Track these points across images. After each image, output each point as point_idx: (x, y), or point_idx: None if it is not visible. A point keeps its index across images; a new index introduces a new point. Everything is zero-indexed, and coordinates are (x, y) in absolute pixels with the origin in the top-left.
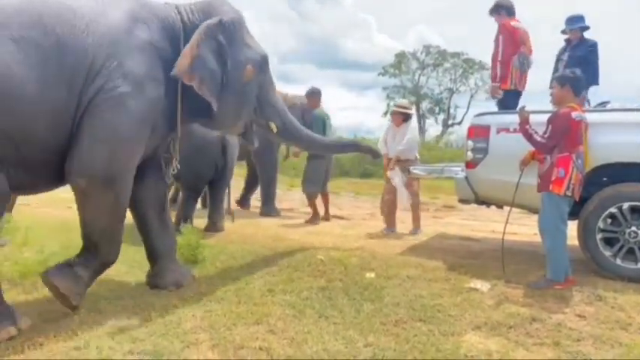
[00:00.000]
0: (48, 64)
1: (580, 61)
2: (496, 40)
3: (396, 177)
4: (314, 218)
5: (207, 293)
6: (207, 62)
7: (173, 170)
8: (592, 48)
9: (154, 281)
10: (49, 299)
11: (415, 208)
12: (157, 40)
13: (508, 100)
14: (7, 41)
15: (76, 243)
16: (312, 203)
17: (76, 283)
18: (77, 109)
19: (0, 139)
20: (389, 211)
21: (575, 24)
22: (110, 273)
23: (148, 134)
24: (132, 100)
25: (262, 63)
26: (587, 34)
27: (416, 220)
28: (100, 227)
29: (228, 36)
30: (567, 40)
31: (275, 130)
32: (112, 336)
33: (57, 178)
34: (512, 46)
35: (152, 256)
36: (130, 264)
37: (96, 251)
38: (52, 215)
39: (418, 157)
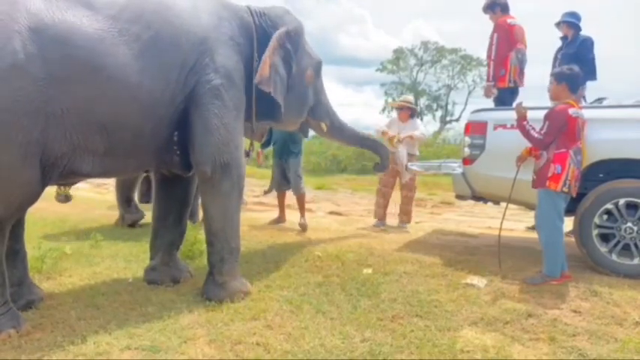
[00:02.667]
0: (146, 56)
1: (572, 58)
2: (491, 38)
3: (404, 152)
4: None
5: None
6: (279, 69)
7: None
8: (583, 44)
9: (151, 276)
10: (46, 294)
11: (408, 202)
12: (237, 36)
13: (506, 97)
14: (115, 34)
15: (74, 238)
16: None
17: (231, 283)
18: (172, 100)
19: (92, 131)
20: (383, 203)
21: (566, 17)
22: (107, 268)
23: (242, 121)
24: (225, 91)
25: (318, 68)
26: (591, 32)
27: (407, 213)
28: (220, 213)
29: (293, 44)
30: (563, 38)
31: (325, 129)
32: (110, 331)
33: (146, 162)
34: (508, 44)
35: (154, 247)
36: (127, 259)
37: (217, 242)
38: (48, 211)
39: (418, 154)
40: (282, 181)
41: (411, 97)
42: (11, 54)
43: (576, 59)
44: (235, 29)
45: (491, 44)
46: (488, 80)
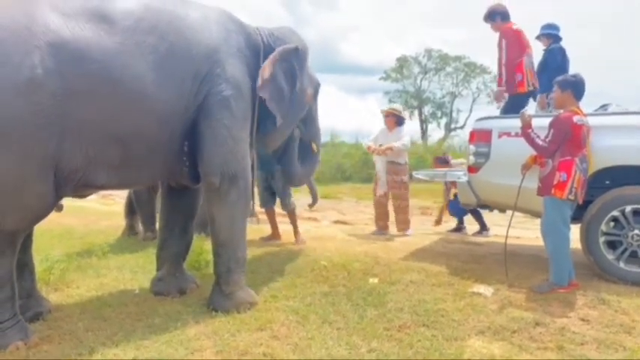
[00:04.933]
0: (162, 67)
1: (541, 68)
2: (499, 45)
3: (380, 163)
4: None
5: None
6: (278, 80)
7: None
8: (550, 52)
9: (157, 287)
10: (53, 306)
11: (401, 211)
12: (244, 49)
13: (524, 102)
14: (132, 46)
15: (81, 250)
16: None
17: (238, 293)
18: (186, 111)
19: (108, 143)
20: (381, 213)
21: (544, 30)
22: (114, 280)
23: (249, 131)
24: (235, 101)
25: (317, 90)
26: (596, 38)
27: (403, 222)
28: (228, 224)
29: (299, 63)
30: (545, 50)
31: (316, 149)
32: (117, 343)
33: (159, 174)
34: (519, 49)
35: (161, 258)
36: (133, 270)
37: (224, 252)
38: (55, 223)
39: (407, 161)
40: (268, 196)
41: (398, 106)
42: (29, 68)
43: (544, 68)
44: (242, 42)
45: (500, 50)
46: (500, 85)
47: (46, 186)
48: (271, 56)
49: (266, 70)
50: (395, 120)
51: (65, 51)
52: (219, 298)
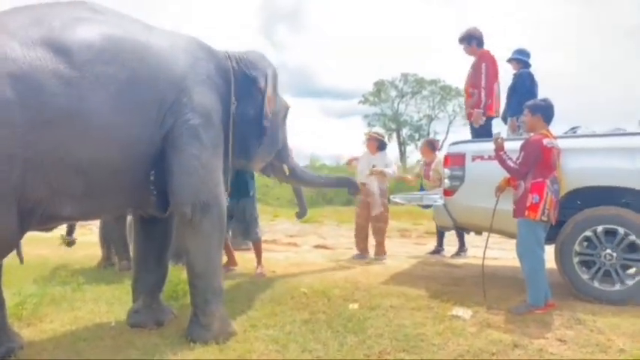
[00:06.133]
0: (122, 96)
1: (511, 91)
2: (477, 68)
3: (375, 184)
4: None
5: None
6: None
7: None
8: (519, 77)
9: (134, 320)
10: (26, 342)
11: (381, 233)
12: (214, 76)
13: (490, 127)
14: (92, 78)
15: (55, 281)
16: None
17: (216, 324)
18: (151, 140)
19: (71, 174)
20: (361, 236)
21: (514, 55)
22: (90, 312)
23: (221, 159)
24: (204, 130)
25: (287, 112)
26: (581, 66)
27: (379, 245)
28: (203, 254)
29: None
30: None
31: (287, 172)
32: None
33: (124, 203)
34: (494, 74)
35: (137, 290)
36: (109, 302)
37: (200, 283)
38: (29, 254)
39: (387, 185)
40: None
41: (379, 130)
42: None
43: (513, 92)
44: (212, 69)
45: (479, 73)
46: (478, 107)
47: (9, 220)
48: (269, 89)
49: (271, 101)
50: (377, 144)
51: (25, 83)
52: (197, 330)
